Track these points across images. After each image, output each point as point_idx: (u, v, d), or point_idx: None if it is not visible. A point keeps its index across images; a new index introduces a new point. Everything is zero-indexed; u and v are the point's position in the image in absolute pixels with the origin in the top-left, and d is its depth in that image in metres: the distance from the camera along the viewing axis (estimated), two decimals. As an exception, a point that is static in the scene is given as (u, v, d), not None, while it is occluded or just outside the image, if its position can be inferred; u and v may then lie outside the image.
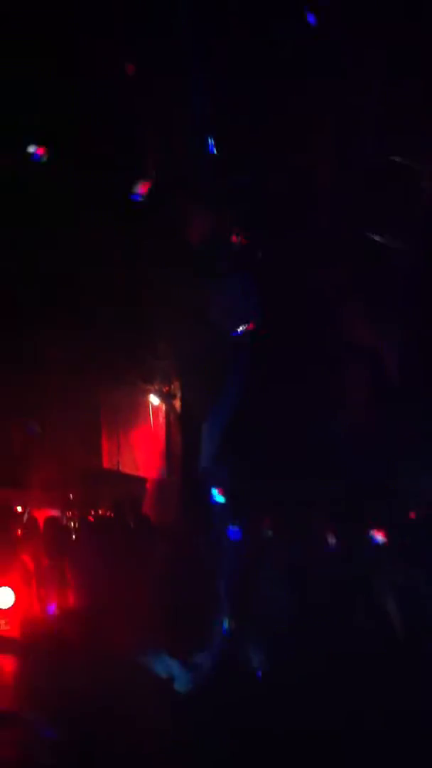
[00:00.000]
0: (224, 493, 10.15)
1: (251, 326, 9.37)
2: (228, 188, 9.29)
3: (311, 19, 8.32)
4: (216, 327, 9.83)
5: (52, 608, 10.34)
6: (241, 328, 9.34)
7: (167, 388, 12.89)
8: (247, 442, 10.85)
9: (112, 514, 11.97)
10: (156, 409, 13.16)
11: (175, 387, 12.88)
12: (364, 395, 9.63)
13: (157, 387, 13.04)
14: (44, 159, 9.62)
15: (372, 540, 8.71)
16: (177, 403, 12.87)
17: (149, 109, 9.43)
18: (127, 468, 13.06)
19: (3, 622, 9.85)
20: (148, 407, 13.26)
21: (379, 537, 8.63)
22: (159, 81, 9.18)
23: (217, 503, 9.66)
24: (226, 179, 9.17)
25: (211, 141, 8.95)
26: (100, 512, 12.25)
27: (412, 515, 8.84)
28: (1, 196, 9.90)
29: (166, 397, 12.95)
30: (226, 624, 8.43)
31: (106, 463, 13.23)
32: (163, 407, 13.10)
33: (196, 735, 6.21)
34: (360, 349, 9.67)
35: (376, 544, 8.65)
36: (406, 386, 9.22)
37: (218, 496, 9.74)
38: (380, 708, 6.61)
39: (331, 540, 8.80)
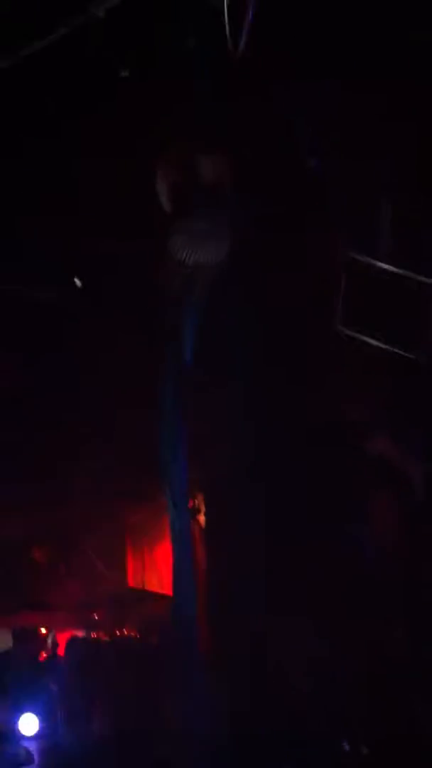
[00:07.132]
0: None
1: None
2: None
3: None
4: None
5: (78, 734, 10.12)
6: None
7: (191, 503, 12.83)
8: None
9: (138, 634, 11.79)
10: (181, 525, 13.08)
11: (199, 502, 12.82)
12: (391, 513, 9.55)
13: (181, 502, 12.97)
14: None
15: None
16: (201, 518, 12.78)
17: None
18: (152, 586, 12.90)
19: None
20: (173, 524, 13.16)
21: None
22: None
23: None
24: None
25: None
26: (125, 632, 12.09)
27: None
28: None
29: (191, 513, 12.88)
30: None
31: (131, 582, 13.10)
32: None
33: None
34: (386, 466, 9.62)
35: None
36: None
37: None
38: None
39: None
